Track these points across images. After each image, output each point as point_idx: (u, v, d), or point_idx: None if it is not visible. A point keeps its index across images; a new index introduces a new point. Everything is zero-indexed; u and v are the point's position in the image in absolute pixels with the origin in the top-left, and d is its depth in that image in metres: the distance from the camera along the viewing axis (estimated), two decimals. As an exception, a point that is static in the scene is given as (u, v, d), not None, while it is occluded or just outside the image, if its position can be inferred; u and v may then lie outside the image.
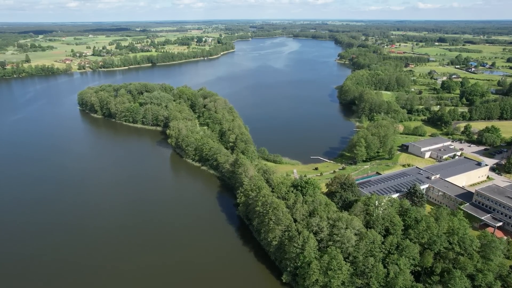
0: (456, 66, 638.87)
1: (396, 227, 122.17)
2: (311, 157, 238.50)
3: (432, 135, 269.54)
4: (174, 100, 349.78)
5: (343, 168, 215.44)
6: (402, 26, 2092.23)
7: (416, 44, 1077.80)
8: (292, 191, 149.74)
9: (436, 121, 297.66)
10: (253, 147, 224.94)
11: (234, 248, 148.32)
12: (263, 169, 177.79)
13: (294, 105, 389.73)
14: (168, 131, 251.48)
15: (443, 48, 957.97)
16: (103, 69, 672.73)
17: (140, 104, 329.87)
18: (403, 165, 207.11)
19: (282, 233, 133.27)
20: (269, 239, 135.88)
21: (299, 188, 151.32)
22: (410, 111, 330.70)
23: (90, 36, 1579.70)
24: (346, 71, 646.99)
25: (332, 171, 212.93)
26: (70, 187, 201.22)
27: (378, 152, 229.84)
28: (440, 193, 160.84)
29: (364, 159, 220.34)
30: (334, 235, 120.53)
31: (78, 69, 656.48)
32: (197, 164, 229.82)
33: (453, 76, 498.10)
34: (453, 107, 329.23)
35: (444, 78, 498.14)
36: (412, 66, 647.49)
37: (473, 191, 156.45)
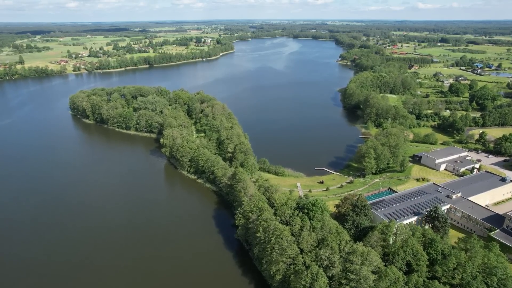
0: (462, 68, 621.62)
1: (420, 262, 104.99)
2: (316, 168, 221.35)
3: (444, 144, 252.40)
4: (170, 105, 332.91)
5: (351, 182, 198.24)
6: (402, 26, 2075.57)
7: (418, 45, 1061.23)
8: (297, 214, 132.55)
9: (447, 128, 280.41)
10: (253, 158, 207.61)
11: (232, 278, 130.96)
12: (264, 187, 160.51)
13: (295, 109, 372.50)
14: (161, 140, 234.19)
15: (446, 49, 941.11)
16: (98, 70, 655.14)
17: (134, 109, 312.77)
18: (417, 179, 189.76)
19: (287, 266, 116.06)
20: (272, 272, 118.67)
21: (305, 210, 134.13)
22: (418, 116, 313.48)
23: (88, 36, 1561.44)
24: (348, 72, 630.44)
25: (339, 185, 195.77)
26: (48, 208, 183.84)
27: (388, 164, 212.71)
28: (463, 215, 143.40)
29: (374, 171, 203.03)
30: (348, 273, 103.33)
31: (73, 70, 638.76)
32: (192, 176, 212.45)
33: (460, 79, 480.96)
34: (464, 112, 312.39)
35: (451, 81, 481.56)
36: (416, 67, 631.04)
37: (502, 213, 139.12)
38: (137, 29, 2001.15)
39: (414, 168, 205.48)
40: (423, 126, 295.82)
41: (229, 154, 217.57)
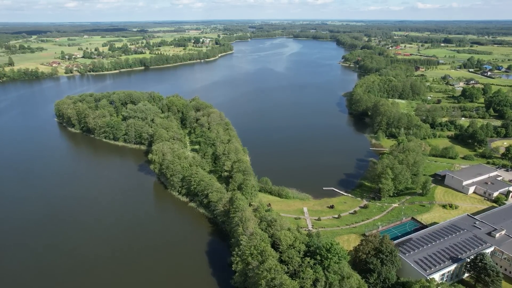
0: (470, 70, 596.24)
1: None
2: (324, 188, 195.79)
3: (465, 158, 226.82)
4: (162, 112, 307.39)
5: (365, 207, 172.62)
6: (403, 27, 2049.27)
7: (422, 45, 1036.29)
8: (308, 262, 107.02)
9: (467, 139, 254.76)
10: (253, 179, 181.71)
11: None
12: (266, 220, 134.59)
13: (298, 116, 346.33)
14: (150, 156, 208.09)
15: (451, 50, 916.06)
16: (92, 73, 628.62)
17: (123, 117, 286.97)
18: (443, 206, 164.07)
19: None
20: None
21: (318, 257, 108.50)
22: (432, 125, 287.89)
23: (85, 36, 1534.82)
24: (352, 75, 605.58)
25: (352, 211, 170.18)
26: (23, 229, 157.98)
27: (406, 183, 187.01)
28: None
29: (391, 194, 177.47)
30: None
31: (65, 72, 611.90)
32: (184, 198, 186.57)
33: (472, 82, 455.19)
34: (483, 121, 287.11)
35: (462, 84, 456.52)
36: (422, 69, 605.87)
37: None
38: (135, 29, 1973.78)
39: (437, 190, 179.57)
40: (439, 137, 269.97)
41: (225, 173, 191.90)
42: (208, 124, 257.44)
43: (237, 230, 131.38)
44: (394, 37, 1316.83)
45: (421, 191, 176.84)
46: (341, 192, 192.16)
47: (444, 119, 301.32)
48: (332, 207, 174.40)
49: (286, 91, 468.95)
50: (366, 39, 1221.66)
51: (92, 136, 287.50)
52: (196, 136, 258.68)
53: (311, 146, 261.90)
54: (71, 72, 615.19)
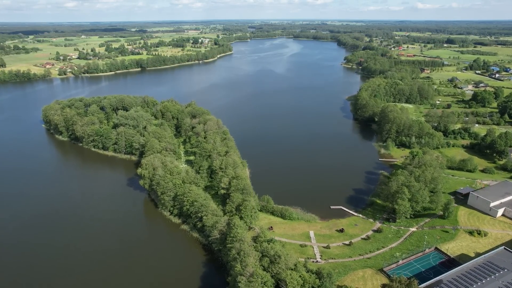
0: (477, 72, 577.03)
1: None
2: (332, 207, 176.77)
3: (485, 171, 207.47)
4: (156, 118, 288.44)
5: (379, 231, 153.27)
6: (404, 27, 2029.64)
7: (424, 46, 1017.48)
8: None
9: (484, 149, 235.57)
10: (253, 199, 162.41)
11: None
12: (269, 256, 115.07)
13: (300, 122, 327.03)
14: (139, 170, 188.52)
15: (454, 50, 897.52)
16: (86, 74, 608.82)
17: (114, 125, 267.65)
18: (470, 232, 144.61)
19: None
20: None
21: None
22: (445, 133, 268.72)
23: (83, 37, 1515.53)
24: (355, 77, 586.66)
25: (364, 236, 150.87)
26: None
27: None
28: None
29: (408, 216, 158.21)
30: None
31: (59, 74, 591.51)
32: (176, 220, 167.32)
33: (481, 85, 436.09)
34: (497, 128, 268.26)
35: (470, 87, 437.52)
36: (428, 71, 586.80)
37: None
38: (134, 29, 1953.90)
39: (460, 212, 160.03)
40: (453, 146, 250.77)
41: (222, 190, 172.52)
42: (204, 133, 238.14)
43: (234, 266, 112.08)
44: (396, 37, 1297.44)
45: (441, 212, 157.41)
46: (351, 211, 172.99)
47: (457, 126, 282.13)
48: (342, 230, 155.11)
49: (287, 94, 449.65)
50: (368, 39, 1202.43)
51: (81, 144, 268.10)
52: (191, 145, 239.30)
53: (315, 157, 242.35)
54: (65, 74, 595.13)
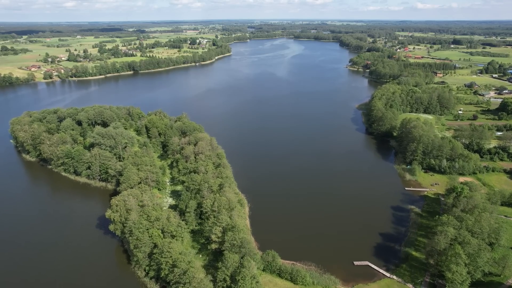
0: (494, 76, 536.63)
1: None
2: (355, 263, 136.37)
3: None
4: (139, 134, 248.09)
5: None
6: (405, 27, 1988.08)
7: (431, 47, 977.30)
8: None
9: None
10: (254, 262, 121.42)
11: None
12: None
13: (306, 135, 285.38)
14: (108, 212, 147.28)
15: (463, 52, 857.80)
16: (74, 78, 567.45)
17: (89, 144, 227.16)
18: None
19: None
20: None
21: None
22: (479, 153, 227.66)
23: (78, 37, 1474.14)
24: (362, 81, 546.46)
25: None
26: None
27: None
28: None
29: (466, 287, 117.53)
30: None
31: (44, 78, 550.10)
32: (152, 285, 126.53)
33: (505, 92, 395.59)
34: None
35: (492, 94, 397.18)
36: (440, 75, 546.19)
37: None
38: (131, 29, 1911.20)
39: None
40: (493, 171, 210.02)
41: (214, 245, 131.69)
42: (195, 157, 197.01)
43: None
44: (400, 38, 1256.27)
45: (499, 270, 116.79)
46: (381, 270, 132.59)
47: (492, 144, 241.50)
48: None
49: (289, 100, 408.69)
50: (371, 40, 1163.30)
51: (50, 167, 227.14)
52: (179, 171, 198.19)
53: (327, 187, 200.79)
54: (51, 78, 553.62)
